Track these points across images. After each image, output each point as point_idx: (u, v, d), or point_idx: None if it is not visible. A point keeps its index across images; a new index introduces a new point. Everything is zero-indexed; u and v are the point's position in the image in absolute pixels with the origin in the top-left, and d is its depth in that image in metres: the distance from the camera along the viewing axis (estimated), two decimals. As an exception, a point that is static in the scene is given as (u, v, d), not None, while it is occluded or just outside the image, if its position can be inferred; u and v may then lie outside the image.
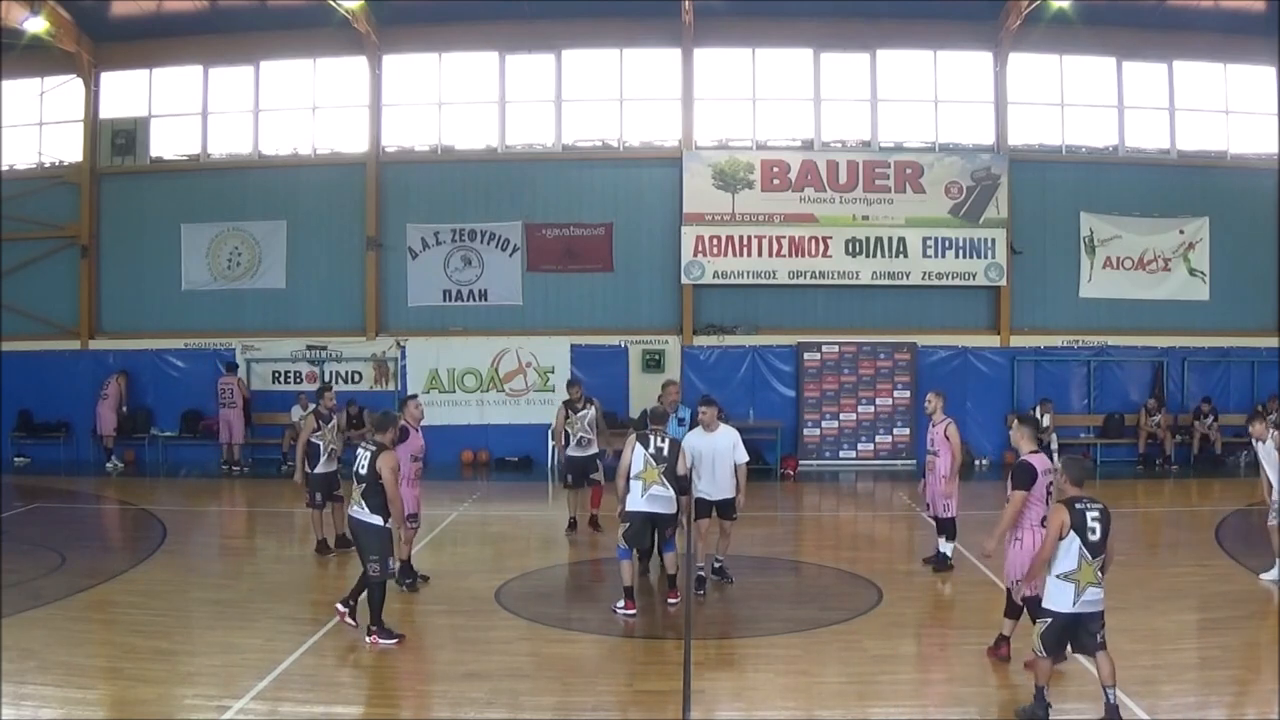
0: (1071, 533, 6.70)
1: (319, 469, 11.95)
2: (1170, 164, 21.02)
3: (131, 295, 21.26)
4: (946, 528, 11.25)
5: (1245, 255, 20.83)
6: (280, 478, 18.27)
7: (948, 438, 11.11)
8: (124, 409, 20.32)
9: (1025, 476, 7.78)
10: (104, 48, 21.08)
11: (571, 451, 13.39)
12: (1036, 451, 8.06)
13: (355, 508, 8.77)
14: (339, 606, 8.80)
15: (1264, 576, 10.68)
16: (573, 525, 13.47)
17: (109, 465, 19.77)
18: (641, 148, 21.00)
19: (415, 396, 12.02)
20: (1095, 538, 6.73)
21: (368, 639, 8.56)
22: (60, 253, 21.20)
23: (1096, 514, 6.78)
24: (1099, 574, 6.76)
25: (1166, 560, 12.16)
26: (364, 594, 8.70)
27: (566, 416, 13.44)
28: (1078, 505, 6.78)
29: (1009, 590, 8.10)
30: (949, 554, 11.18)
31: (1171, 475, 19.29)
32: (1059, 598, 6.77)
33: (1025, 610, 7.67)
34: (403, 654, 8.50)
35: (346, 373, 20.72)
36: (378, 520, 8.63)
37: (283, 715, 7.10)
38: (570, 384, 14.19)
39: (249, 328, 20.85)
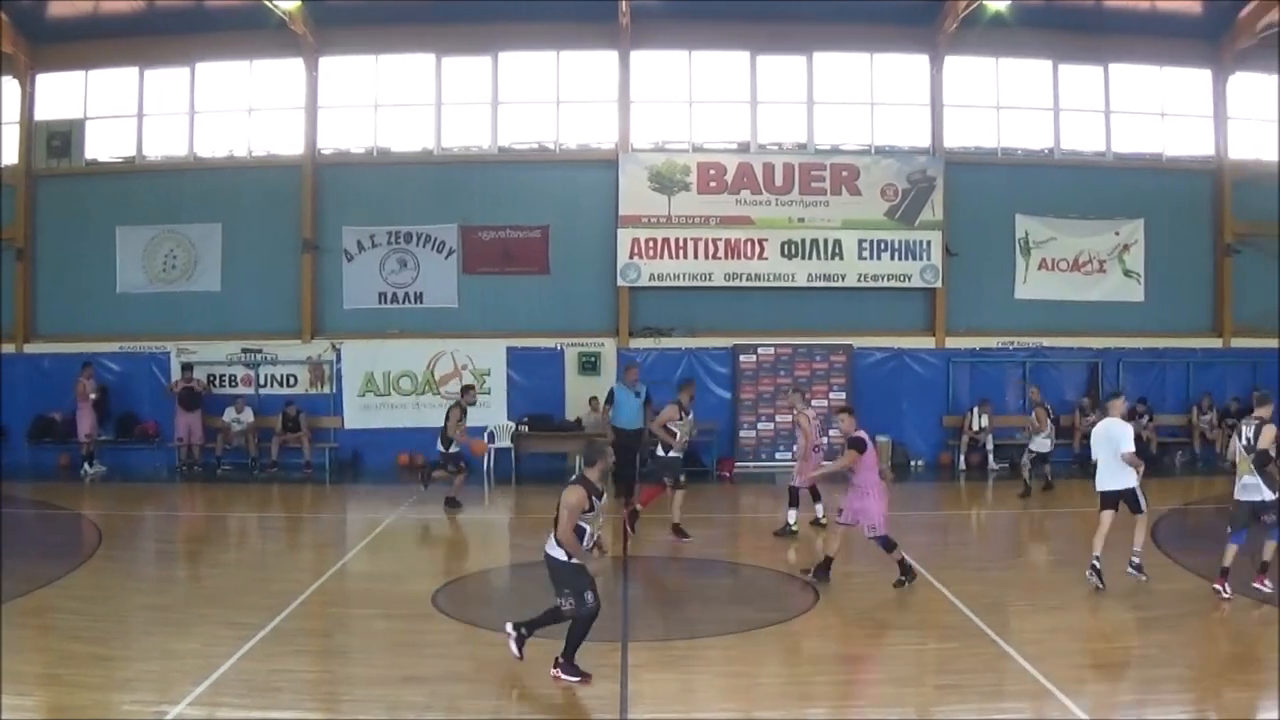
0: None
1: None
2: (1106, 166, 21.14)
3: (67, 298, 20.98)
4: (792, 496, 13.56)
5: (1180, 257, 21.01)
6: (229, 481, 18.74)
7: (798, 424, 13.71)
8: (98, 400, 19.72)
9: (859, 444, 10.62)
10: (40, 49, 20.87)
11: (675, 452, 12.98)
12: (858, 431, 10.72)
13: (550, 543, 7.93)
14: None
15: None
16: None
17: (85, 470, 19.24)
18: (578, 150, 20.96)
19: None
20: None
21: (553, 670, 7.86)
22: (-5, 256, 21.03)
23: None
24: None
25: (1104, 559, 12.17)
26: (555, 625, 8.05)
27: (680, 418, 12.95)
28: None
29: None
30: (792, 522, 13.39)
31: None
32: None
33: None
34: (339, 658, 8.52)
35: (282, 376, 20.61)
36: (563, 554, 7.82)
37: (220, 720, 7.08)
38: (684, 385, 13.52)
39: (185, 331, 20.65)
